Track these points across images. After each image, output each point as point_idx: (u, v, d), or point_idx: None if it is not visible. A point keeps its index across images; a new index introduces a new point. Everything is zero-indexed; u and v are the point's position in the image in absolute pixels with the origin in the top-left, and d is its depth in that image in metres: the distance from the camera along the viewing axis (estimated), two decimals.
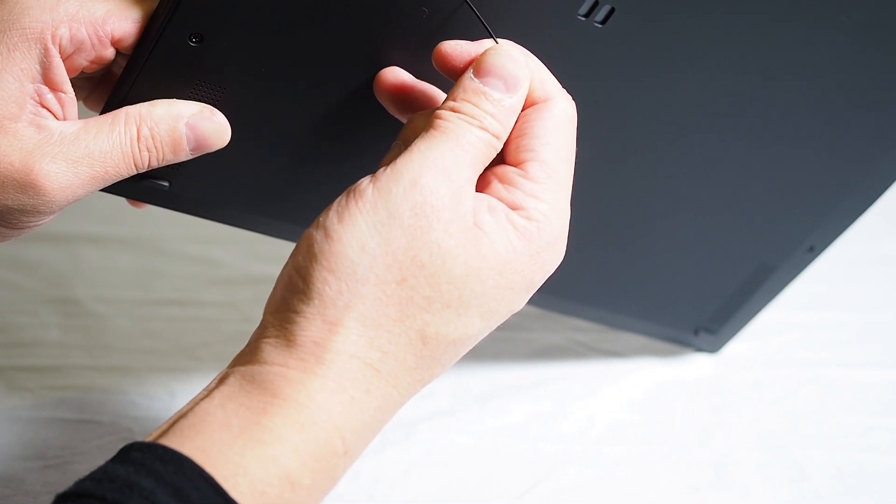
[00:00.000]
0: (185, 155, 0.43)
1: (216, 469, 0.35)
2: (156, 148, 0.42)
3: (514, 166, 0.40)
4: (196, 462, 0.35)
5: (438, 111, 0.40)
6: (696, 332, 0.63)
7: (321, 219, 0.38)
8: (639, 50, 0.46)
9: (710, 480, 0.55)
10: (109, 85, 0.45)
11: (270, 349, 0.38)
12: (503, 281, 0.39)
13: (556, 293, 0.57)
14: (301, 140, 0.47)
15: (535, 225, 0.39)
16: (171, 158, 0.43)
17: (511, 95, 0.40)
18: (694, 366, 0.64)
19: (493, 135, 0.39)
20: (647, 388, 0.62)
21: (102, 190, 0.45)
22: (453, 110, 0.39)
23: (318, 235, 0.38)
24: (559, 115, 0.40)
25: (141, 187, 0.46)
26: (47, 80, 0.41)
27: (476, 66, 0.40)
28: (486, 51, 0.40)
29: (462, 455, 0.56)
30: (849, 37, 0.47)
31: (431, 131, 0.39)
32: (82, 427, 0.56)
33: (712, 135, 0.51)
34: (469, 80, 0.40)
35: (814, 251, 0.58)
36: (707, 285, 0.59)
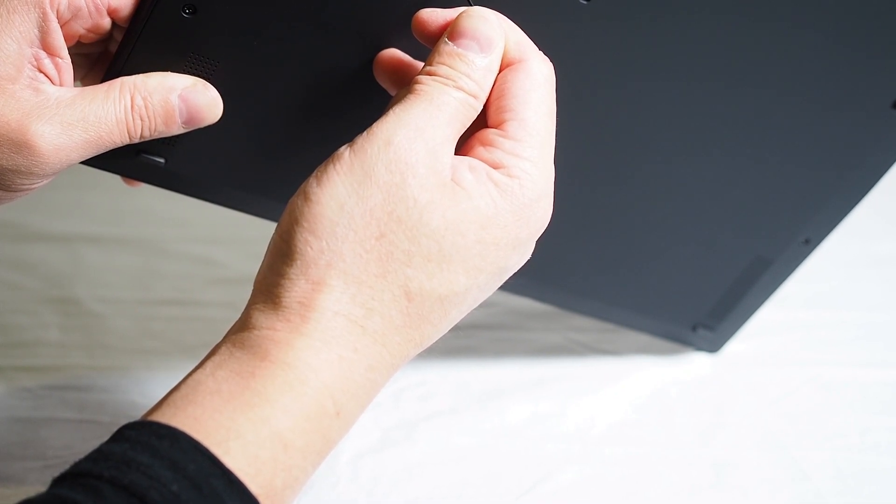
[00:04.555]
0: (176, 128, 0.44)
1: (209, 436, 0.35)
2: (148, 118, 0.43)
3: (495, 128, 0.41)
4: (189, 433, 0.35)
5: (416, 77, 0.41)
6: (694, 329, 0.62)
7: (302, 185, 0.39)
8: (626, 31, 0.46)
9: (710, 480, 0.55)
10: (106, 65, 0.46)
11: (258, 314, 0.39)
12: (486, 236, 0.39)
13: (552, 283, 0.58)
14: (295, 118, 0.47)
15: (516, 182, 0.40)
16: (163, 129, 0.44)
17: (486, 56, 0.41)
18: (694, 366, 0.64)
19: (470, 94, 0.40)
20: (647, 388, 0.62)
21: (101, 167, 0.46)
22: (429, 74, 0.40)
23: (298, 200, 0.39)
24: (536, 75, 0.41)
25: (137, 163, 0.47)
26: (45, 44, 0.42)
27: (450, 29, 0.41)
28: (459, 14, 0.41)
29: (462, 455, 0.56)
30: (841, 25, 0.48)
31: (408, 96, 0.40)
32: (82, 427, 0.56)
33: (704, 125, 0.51)
34: (444, 44, 0.41)
35: (809, 244, 0.58)
36: (703, 278, 0.59)
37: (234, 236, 0.75)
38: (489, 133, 0.41)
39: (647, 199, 0.54)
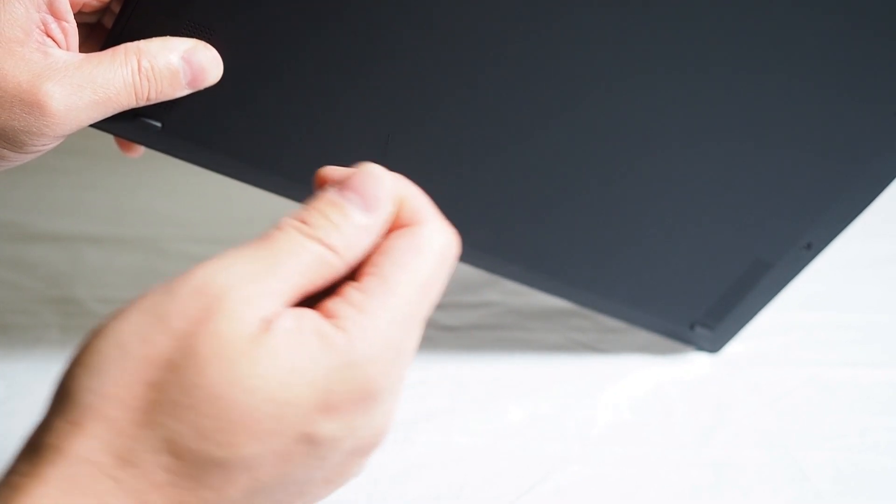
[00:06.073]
0: (181, 89, 0.45)
1: None
2: (155, 79, 0.44)
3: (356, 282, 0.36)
4: None
5: (281, 219, 0.36)
6: (692, 327, 0.62)
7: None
8: (627, 25, 0.46)
9: (710, 480, 0.55)
10: (100, 39, 0.47)
11: (20, 455, 0.34)
12: (284, 395, 0.33)
13: (550, 273, 0.58)
14: (286, 88, 0.48)
15: (343, 336, 0.34)
16: (168, 92, 0.45)
17: (367, 215, 0.36)
18: (694, 366, 0.64)
19: (329, 248, 0.35)
20: (647, 388, 0.62)
21: (101, 128, 0.47)
22: (296, 218, 0.36)
23: (93, 329, 0.35)
24: (420, 240, 0.36)
25: (135, 125, 0.48)
26: (52, 9, 0.43)
27: (341, 180, 0.37)
28: (355, 170, 0.37)
29: (462, 455, 0.56)
30: (846, 29, 0.48)
31: (255, 240, 0.35)
32: None
33: (707, 123, 0.51)
34: (328, 191, 0.36)
35: (812, 249, 0.58)
36: (700, 276, 0.59)
37: (235, 236, 0.75)
38: (346, 286, 0.36)
39: (647, 193, 0.54)
